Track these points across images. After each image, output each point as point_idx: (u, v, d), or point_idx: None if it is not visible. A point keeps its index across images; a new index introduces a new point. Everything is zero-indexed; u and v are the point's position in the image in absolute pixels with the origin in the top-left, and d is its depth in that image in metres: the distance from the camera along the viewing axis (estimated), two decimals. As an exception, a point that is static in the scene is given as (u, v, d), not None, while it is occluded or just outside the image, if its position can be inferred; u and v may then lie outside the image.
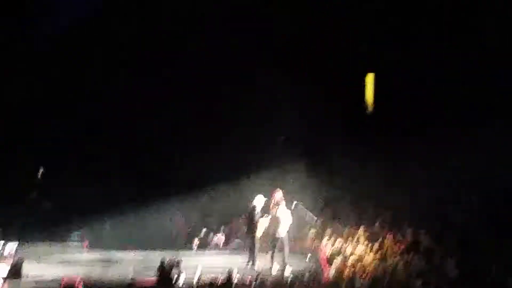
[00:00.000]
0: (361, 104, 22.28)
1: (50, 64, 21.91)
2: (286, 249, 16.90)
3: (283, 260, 16.83)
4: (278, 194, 17.05)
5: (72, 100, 21.80)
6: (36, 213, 20.04)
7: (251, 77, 21.54)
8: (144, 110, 21.60)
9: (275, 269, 16.83)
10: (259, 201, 17.33)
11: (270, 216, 17.13)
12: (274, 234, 16.96)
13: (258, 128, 21.14)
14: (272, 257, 16.93)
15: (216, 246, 19.26)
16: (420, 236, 17.70)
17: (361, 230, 18.65)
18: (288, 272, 16.59)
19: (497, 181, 17.98)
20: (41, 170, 20.82)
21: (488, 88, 19.78)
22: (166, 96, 21.66)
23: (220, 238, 19.35)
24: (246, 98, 21.26)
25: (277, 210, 17.03)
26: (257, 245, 17.31)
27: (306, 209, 18.42)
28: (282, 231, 16.94)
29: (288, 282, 15.70)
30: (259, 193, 17.34)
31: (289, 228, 17.07)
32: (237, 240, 19.46)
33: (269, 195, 17.16)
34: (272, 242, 17.05)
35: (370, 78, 22.65)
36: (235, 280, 14.87)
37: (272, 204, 17.09)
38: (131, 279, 14.91)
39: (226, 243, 19.42)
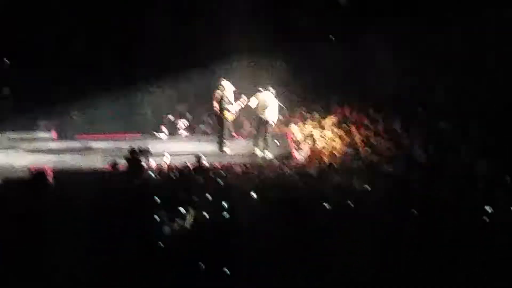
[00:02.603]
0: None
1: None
2: (269, 133, 17.22)
3: (266, 144, 17.19)
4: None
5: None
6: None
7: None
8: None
9: (259, 152, 17.15)
10: (227, 85, 17.38)
11: (252, 100, 17.25)
12: (261, 117, 17.17)
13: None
14: (257, 140, 17.28)
15: (185, 132, 19.21)
16: (388, 120, 17.94)
17: (328, 116, 18.77)
18: (270, 155, 17.01)
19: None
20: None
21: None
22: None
23: (186, 124, 19.28)
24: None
25: (262, 94, 17.12)
26: (226, 129, 17.56)
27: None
28: (269, 115, 17.10)
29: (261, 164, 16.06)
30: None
31: (274, 112, 17.22)
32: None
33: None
34: (257, 125, 17.35)
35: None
36: (206, 164, 14.93)
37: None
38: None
39: (193, 129, 19.38)
